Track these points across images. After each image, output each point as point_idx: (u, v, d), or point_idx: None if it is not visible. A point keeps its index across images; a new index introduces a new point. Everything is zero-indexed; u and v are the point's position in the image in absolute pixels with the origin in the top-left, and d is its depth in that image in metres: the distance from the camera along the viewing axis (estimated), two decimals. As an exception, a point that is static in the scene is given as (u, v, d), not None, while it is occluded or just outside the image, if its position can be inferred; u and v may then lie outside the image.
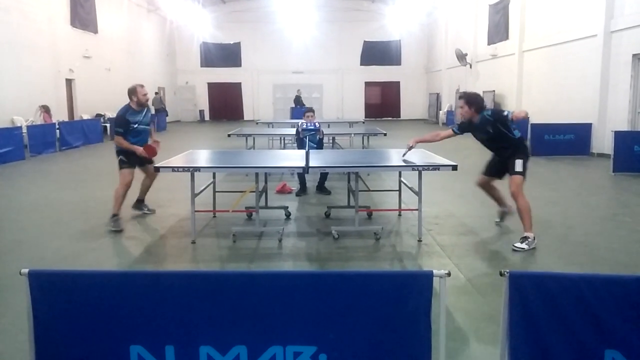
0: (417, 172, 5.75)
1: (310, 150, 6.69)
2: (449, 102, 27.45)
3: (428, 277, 2.43)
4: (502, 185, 6.15)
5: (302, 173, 7.92)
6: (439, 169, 5.79)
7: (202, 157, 7.21)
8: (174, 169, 5.81)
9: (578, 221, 6.81)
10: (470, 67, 24.31)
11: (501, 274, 2.46)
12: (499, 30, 21.32)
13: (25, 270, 2.50)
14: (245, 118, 33.49)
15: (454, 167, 5.60)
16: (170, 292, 2.50)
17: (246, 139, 12.00)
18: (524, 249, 5.49)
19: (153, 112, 27.49)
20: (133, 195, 7.07)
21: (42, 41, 17.93)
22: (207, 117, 33.82)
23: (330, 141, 12.83)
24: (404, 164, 5.97)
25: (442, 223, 6.76)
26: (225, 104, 34.05)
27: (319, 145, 8.92)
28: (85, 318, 2.51)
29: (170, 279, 2.59)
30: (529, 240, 5.53)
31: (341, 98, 33.86)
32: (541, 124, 13.99)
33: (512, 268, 2.51)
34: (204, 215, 6.89)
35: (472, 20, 24.39)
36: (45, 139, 15.02)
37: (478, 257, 5.43)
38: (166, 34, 31.19)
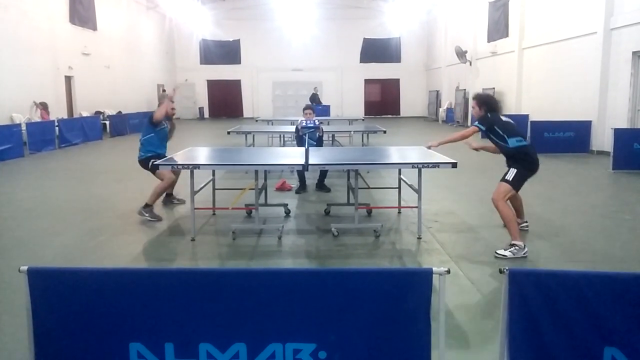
0: (417, 169, 5.75)
1: (309, 148, 6.69)
2: (448, 99, 27.44)
3: (428, 274, 2.44)
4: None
5: (302, 170, 7.91)
6: (438, 167, 5.79)
7: (202, 155, 7.21)
8: (173, 166, 5.81)
9: (577, 219, 6.82)
10: (470, 64, 24.29)
11: (501, 272, 2.46)
12: (498, 28, 21.29)
13: (24, 268, 2.50)
14: (245, 115, 33.47)
15: (454, 165, 5.60)
16: (169, 290, 2.51)
17: (246, 136, 12.00)
18: (505, 256, 5.15)
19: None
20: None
21: (41, 38, 17.89)
22: (206, 115, 33.78)
23: (330, 139, 12.84)
24: (403, 161, 5.97)
25: (441, 220, 6.76)
26: (225, 102, 34.02)
27: (319, 142, 8.92)
28: (85, 315, 2.51)
29: (169, 277, 2.60)
30: (517, 248, 5.20)
31: (341, 95, 33.83)
32: (541, 122, 13.99)
33: (512, 265, 2.51)
34: (203, 213, 6.89)
35: (471, 17, 24.36)
36: (45, 136, 15.00)
37: (478, 255, 5.43)
38: (165, 31, 31.14)
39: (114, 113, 21.56)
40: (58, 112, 18.40)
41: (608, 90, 13.56)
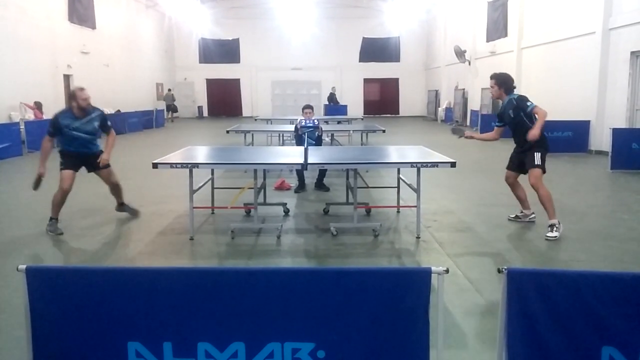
0: (416, 169, 5.75)
1: (308, 147, 6.69)
2: (447, 99, 27.45)
3: (426, 274, 2.44)
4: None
5: (301, 170, 7.91)
6: (437, 166, 5.80)
7: (201, 154, 7.21)
8: (172, 165, 5.81)
9: (575, 218, 6.82)
10: (469, 64, 24.30)
11: (499, 271, 2.46)
12: (497, 28, 21.31)
13: (22, 267, 2.50)
14: (244, 114, 33.46)
15: (453, 164, 5.61)
16: (168, 289, 2.50)
17: (245, 135, 12.00)
18: (556, 237, 5.67)
19: (164, 107, 27.96)
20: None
21: (39, 37, 17.86)
22: (205, 114, 33.78)
23: (329, 138, 12.83)
24: (402, 160, 6.00)
25: (440, 220, 6.76)
26: (224, 100, 34.01)
27: (318, 142, 8.92)
28: (83, 314, 2.51)
29: (168, 276, 2.59)
30: (557, 226, 5.73)
31: (340, 95, 33.82)
32: (539, 121, 13.97)
33: (510, 265, 2.51)
34: (202, 212, 6.89)
35: (471, 17, 24.37)
36: (43, 135, 14.86)
37: (476, 254, 5.43)
38: (165, 30, 31.11)
39: (113, 112, 21.54)
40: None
41: (607, 90, 13.58)
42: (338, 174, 9.37)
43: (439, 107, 28.74)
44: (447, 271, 2.46)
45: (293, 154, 6.67)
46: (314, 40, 32.49)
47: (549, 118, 6.09)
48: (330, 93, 28.73)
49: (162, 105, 28.61)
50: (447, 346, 2.91)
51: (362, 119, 19.40)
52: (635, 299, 2.37)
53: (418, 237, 5.92)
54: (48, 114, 17.14)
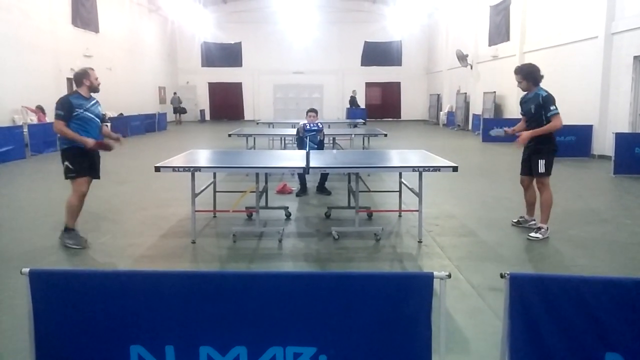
0: (418, 173, 5.75)
1: (310, 151, 6.69)
2: (449, 103, 27.45)
3: (428, 278, 2.43)
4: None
5: (303, 173, 7.91)
6: (439, 170, 5.79)
7: (203, 157, 7.21)
8: (174, 168, 5.81)
9: (578, 223, 6.81)
10: (471, 68, 24.31)
11: (502, 276, 2.46)
12: (499, 32, 21.32)
13: (25, 270, 2.50)
14: (246, 118, 33.50)
15: (455, 169, 5.60)
16: (170, 292, 2.51)
17: (247, 139, 11.99)
18: (538, 238, 5.89)
19: (166, 110, 28.33)
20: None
21: (43, 40, 17.92)
22: (207, 117, 33.82)
23: (331, 142, 12.82)
24: (404, 164, 5.98)
25: (442, 224, 6.75)
26: (226, 104, 34.08)
27: (320, 146, 8.92)
28: (86, 318, 2.51)
29: (170, 279, 2.59)
30: (543, 230, 5.96)
31: (342, 99, 33.86)
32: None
33: (513, 270, 2.50)
34: (204, 215, 6.89)
35: (473, 21, 24.39)
36: (46, 138, 15.01)
37: (478, 259, 5.42)
38: (167, 34, 31.20)
39: (115, 115, 21.59)
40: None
41: (609, 94, 13.57)
42: (340, 177, 9.38)
43: (440, 111, 28.73)
44: (449, 276, 2.45)
45: (295, 158, 6.67)
46: (316, 44, 32.55)
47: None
48: (351, 97, 29.77)
49: (164, 109, 28.71)
50: (449, 351, 2.91)
51: (363, 123, 19.39)
52: (639, 304, 2.36)
53: (420, 242, 5.91)
54: (51, 117, 17.21)
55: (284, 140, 13.67)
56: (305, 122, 9.10)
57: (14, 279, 4.35)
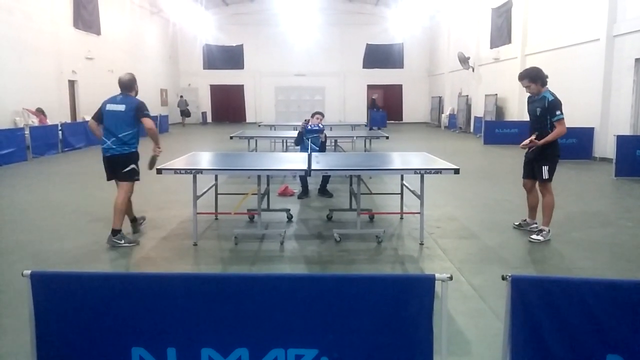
0: (419, 175, 5.75)
1: (312, 153, 6.69)
2: (451, 105, 27.46)
3: (430, 281, 2.43)
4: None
5: (304, 176, 7.92)
6: (441, 173, 5.79)
7: (205, 159, 7.22)
8: (176, 171, 5.82)
9: (580, 225, 6.80)
10: (473, 70, 24.31)
11: (503, 278, 2.46)
12: (501, 34, 21.33)
13: (27, 272, 2.51)
14: (248, 120, 33.54)
15: (456, 171, 5.60)
16: (172, 295, 2.51)
17: (248, 141, 12.02)
18: (539, 240, 5.93)
19: (169, 113, 28.56)
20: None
21: (44, 42, 17.96)
22: (209, 119, 33.87)
23: (333, 144, 12.84)
24: (405, 167, 5.99)
25: (444, 226, 6.75)
26: (228, 106, 34.12)
27: (322, 148, 8.92)
28: (87, 320, 2.52)
29: (172, 281, 2.59)
30: (544, 232, 6.00)
31: (343, 101, 33.90)
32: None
33: (514, 272, 2.51)
34: (205, 218, 6.90)
35: (474, 23, 24.41)
36: (48, 140, 15.04)
37: (480, 261, 5.42)
38: (169, 36, 31.26)
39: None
40: (61, 116, 18.43)
41: (611, 97, 13.56)
42: (341, 180, 9.38)
43: (442, 113, 28.75)
44: (450, 278, 2.45)
45: (296, 160, 6.68)
46: (318, 46, 32.60)
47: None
48: (372, 99, 30.60)
49: (166, 111, 28.72)
50: (450, 353, 2.91)
51: (365, 125, 19.41)
52: (640, 306, 2.37)
53: (421, 244, 5.91)
54: (52, 119, 17.24)
55: (286, 142, 13.69)
56: (310, 124, 9.07)
57: (16, 281, 4.36)
